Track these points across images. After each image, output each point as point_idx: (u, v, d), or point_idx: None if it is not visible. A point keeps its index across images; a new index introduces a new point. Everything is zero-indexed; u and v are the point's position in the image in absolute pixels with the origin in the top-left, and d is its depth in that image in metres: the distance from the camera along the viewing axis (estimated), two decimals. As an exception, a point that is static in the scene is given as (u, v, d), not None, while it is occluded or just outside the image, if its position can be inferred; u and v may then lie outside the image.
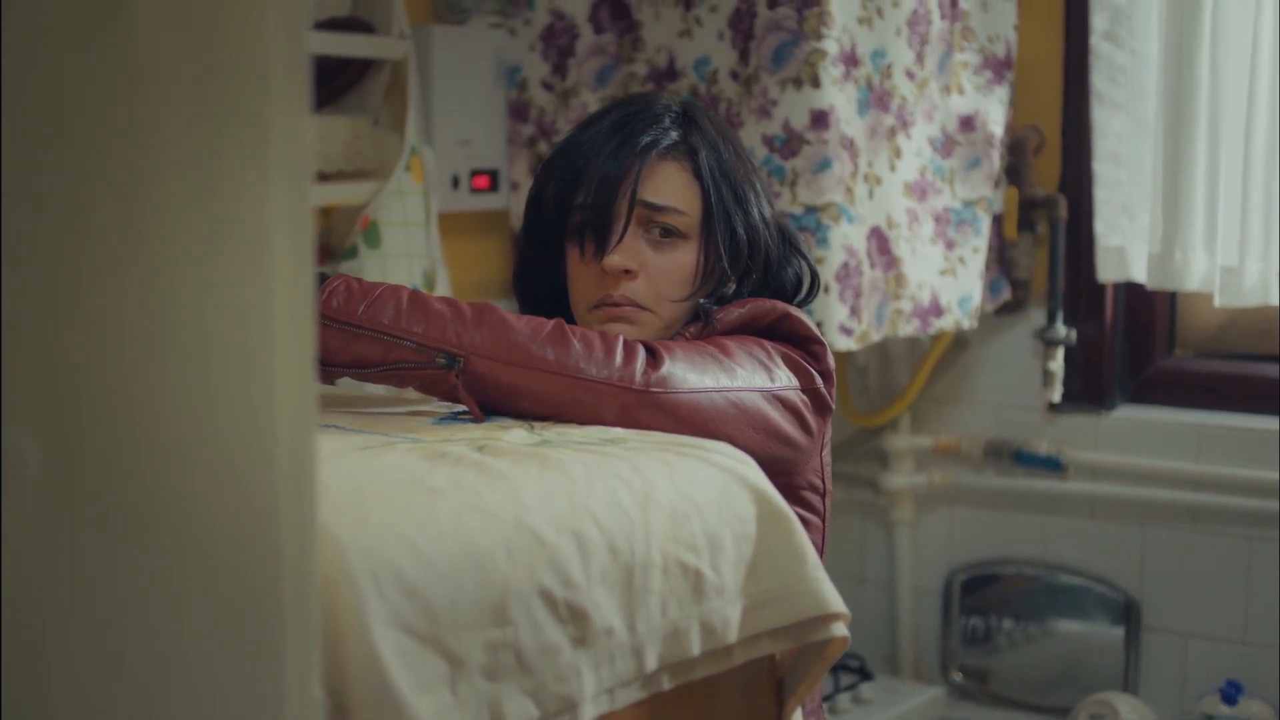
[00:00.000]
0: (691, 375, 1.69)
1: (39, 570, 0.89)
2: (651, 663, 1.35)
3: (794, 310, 1.89)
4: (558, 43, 3.25)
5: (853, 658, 3.58)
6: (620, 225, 1.88)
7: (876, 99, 3.04)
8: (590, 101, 3.23)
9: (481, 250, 3.35)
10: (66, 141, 0.93)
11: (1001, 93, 3.34)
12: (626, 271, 1.88)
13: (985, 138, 3.30)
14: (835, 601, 1.45)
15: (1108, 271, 3.40)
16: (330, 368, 1.68)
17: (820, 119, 2.89)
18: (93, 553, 0.91)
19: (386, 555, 1.14)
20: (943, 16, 3.19)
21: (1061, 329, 3.50)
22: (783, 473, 1.82)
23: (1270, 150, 3.16)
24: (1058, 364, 3.51)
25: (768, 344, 1.84)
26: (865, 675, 3.56)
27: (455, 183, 3.22)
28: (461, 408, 1.69)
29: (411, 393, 1.72)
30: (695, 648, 1.38)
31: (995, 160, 3.32)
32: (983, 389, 3.67)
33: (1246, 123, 3.17)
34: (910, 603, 3.77)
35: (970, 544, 3.70)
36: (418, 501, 1.24)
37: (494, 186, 3.31)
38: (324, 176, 2.86)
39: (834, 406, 1.89)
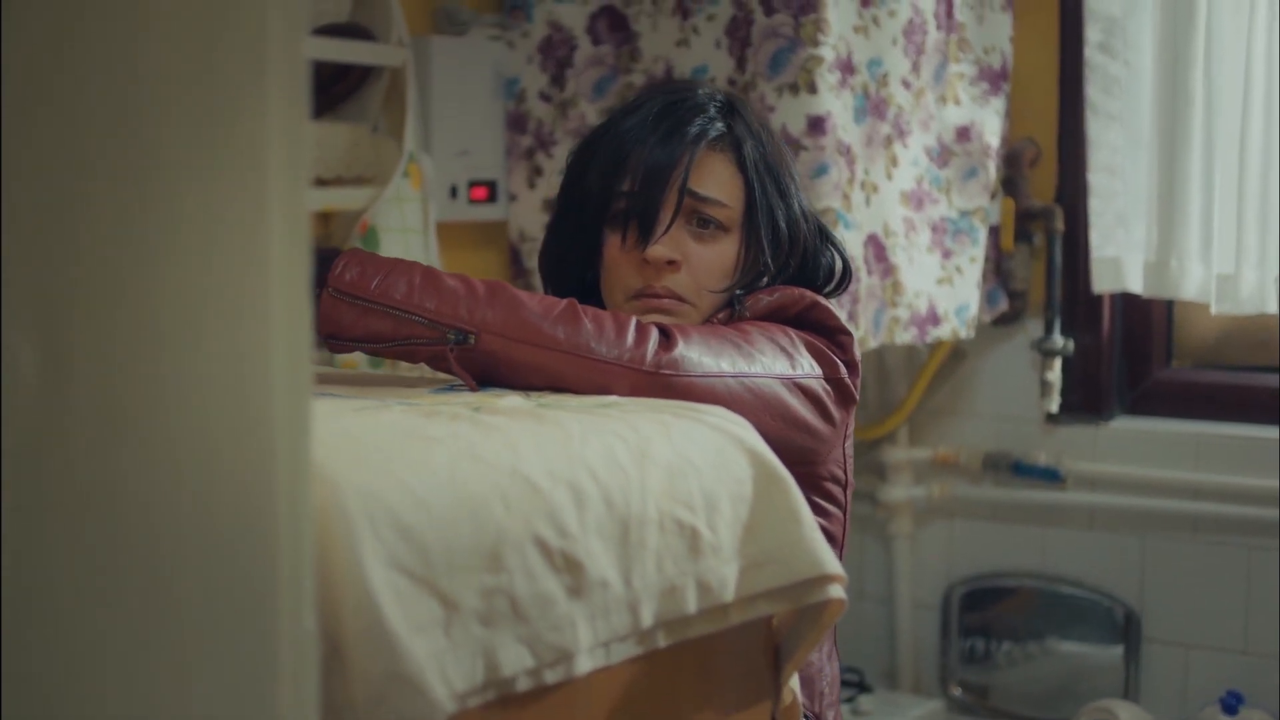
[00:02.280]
0: (706, 359, 1.68)
1: (34, 474, 0.89)
2: (647, 619, 1.35)
3: (822, 300, 1.89)
4: (556, 54, 3.27)
5: (851, 671, 3.57)
6: (667, 215, 1.87)
7: (873, 107, 3.05)
8: (589, 113, 3.24)
9: (480, 261, 3.36)
10: (66, 145, 0.94)
11: (997, 104, 3.36)
12: (670, 262, 1.86)
13: (981, 148, 3.32)
14: (832, 563, 1.45)
15: (1104, 282, 3.40)
16: (343, 341, 1.68)
17: (817, 125, 2.90)
18: (86, 461, 0.91)
19: (382, 495, 1.15)
20: (939, 27, 3.21)
21: (1059, 340, 3.50)
22: (804, 462, 1.82)
23: (1266, 158, 3.17)
24: (1055, 375, 3.51)
25: (792, 331, 1.83)
26: (864, 688, 3.55)
27: (453, 193, 3.23)
28: (458, 382, 1.69)
29: (408, 367, 1.73)
30: (691, 605, 1.38)
31: (991, 171, 3.33)
32: (980, 400, 3.67)
33: (1241, 131, 3.18)
34: (909, 616, 3.76)
35: (969, 556, 3.69)
36: (414, 448, 1.24)
37: (492, 197, 3.32)
38: (323, 182, 2.87)
39: (858, 397, 1.89)
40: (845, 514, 1.93)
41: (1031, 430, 3.60)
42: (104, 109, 0.95)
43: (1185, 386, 3.54)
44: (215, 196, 0.98)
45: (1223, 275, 3.24)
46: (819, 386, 1.81)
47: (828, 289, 2.00)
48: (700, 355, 1.68)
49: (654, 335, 1.67)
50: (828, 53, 2.91)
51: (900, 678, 3.76)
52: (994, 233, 3.46)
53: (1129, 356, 3.59)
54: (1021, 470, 3.58)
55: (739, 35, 3.01)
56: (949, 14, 3.24)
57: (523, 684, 1.25)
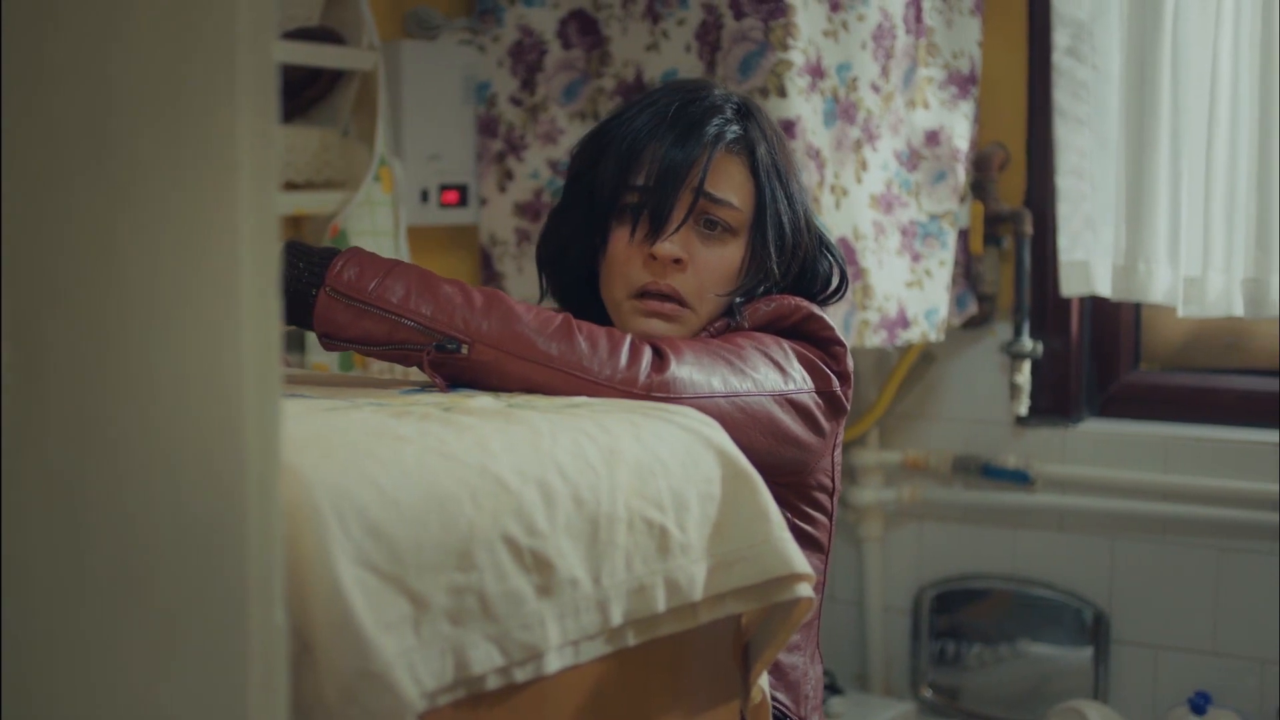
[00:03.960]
0: (698, 377, 1.68)
1: (7, 472, 0.89)
2: (616, 617, 1.35)
3: (818, 310, 1.89)
4: (526, 58, 3.28)
5: (823, 673, 3.58)
6: (680, 214, 1.86)
7: (842, 111, 3.06)
8: (559, 116, 3.25)
9: (450, 265, 3.37)
10: (38, 149, 0.95)
11: (966, 108, 3.38)
12: (676, 261, 1.86)
13: (950, 152, 3.33)
14: (800, 562, 1.46)
15: (1072, 285, 3.42)
16: (337, 341, 1.67)
17: (787, 128, 2.91)
18: (59, 459, 0.91)
19: (351, 493, 1.15)
20: (908, 32, 3.22)
21: (1028, 343, 3.52)
22: (793, 472, 1.83)
23: (1232, 162, 3.19)
24: (1024, 378, 3.53)
25: (786, 343, 1.83)
26: (835, 690, 3.56)
27: (424, 197, 3.23)
28: (428, 384, 1.69)
29: (382, 368, 1.73)
30: (661, 604, 1.39)
31: (960, 175, 3.35)
32: (950, 403, 3.68)
33: (1208, 135, 3.20)
34: (880, 619, 3.77)
35: (939, 559, 3.70)
36: (383, 446, 1.24)
37: (463, 201, 3.32)
38: (293, 186, 2.87)
39: (849, 407, 1.89)
40: (831, 521, 1.94)
41: (1001, 433, 3.61)
42: (76, 114, 0.96)
43: (1153, 389, 3.56)
44: (186, 199, 0.98)
45: (1190, 278, 3.27)
46: (810, 400, 1.81)
47: (823, 297, 1.99)
48: (693, 375, 1.67)
49: (647, 355, 1.66)
50: (797, 57, 2.93)
51: (871, 680, 3.78)
52: (963, 236, 3.48)
53: (1097, 359, 3.61)
54: (991, 473, 3.59)
55: (709, 39, 3.02)
56: (918, 19, 3.26)
57: (492, 682, 1.25)
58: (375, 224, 2.94)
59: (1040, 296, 3.56)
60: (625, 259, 1.88)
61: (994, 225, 3.53)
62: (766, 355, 1.79)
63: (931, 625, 3.71)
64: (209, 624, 1.00)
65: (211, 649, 0.99)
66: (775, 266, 1.91)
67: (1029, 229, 3.52)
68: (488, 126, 3.32)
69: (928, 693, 3.72)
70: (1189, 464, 3.42)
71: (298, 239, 1.76)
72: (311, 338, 2.09)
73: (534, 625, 1.28)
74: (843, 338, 1.89)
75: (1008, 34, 3.53)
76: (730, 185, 1.88)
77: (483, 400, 1.54)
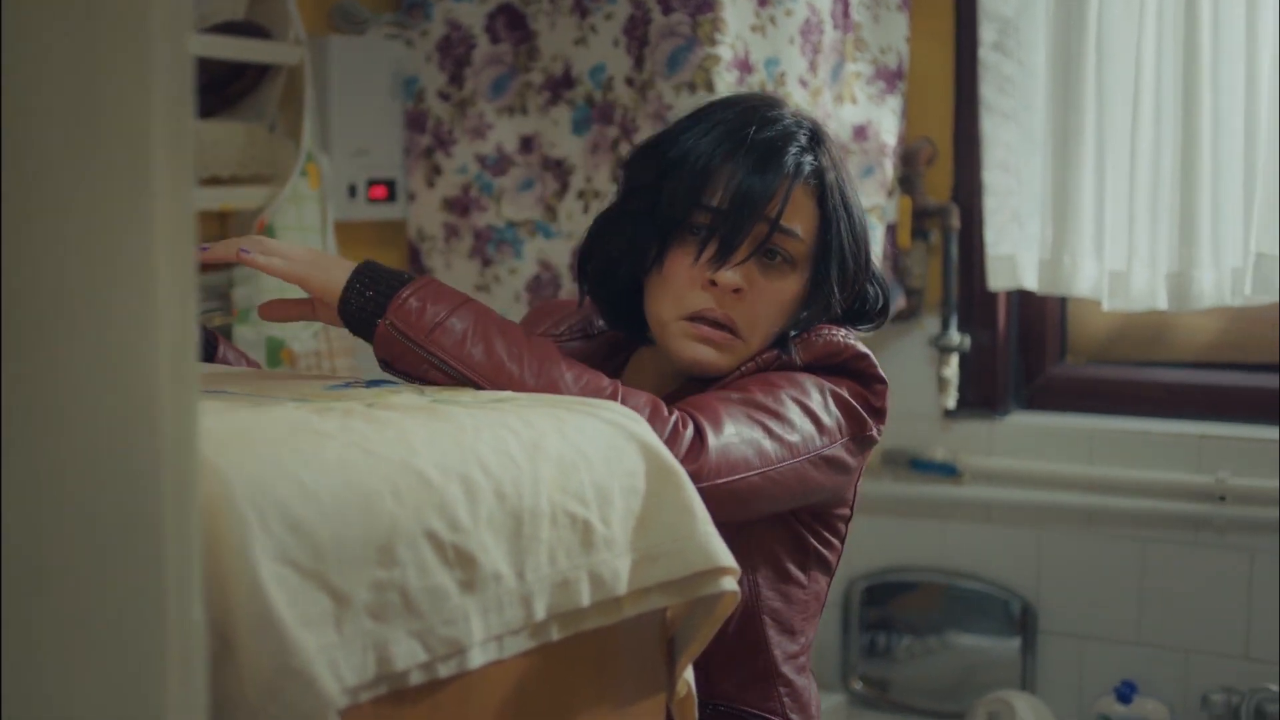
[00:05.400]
0: (734, 454, 1.66)
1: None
2: (540, 612, 1.35)
3: (865, 349, 1.85)
4: (454, 53, 3.27)
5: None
6: (751, 245, 1.79)
7: (770, 106, 3.07)
8: (487, 111, 3.24)
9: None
10: None
11: (894, 103, 3.40)
12: (736, 290, 1.80)
13: (878, 147, 3.35)
14: (725, 556, 1.46)
15: (999, 279, 3.45)
16: (395, 370, 1.67)
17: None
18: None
19: (271, 489, 1.14)
20: (835, 27, 3.24)
21: (955, 336, 3.55)
22: (814, 509, 1.85)
23: (1156, 156, 3.23)
24: (952, 371, 3.55)
25: (828, 387, 1.80)
26: (766, 683, 3.57)
27: (352, 192, 3.22)
28: (354, 378, 1.69)
29: (305, 366, 1.72)
30: (585, 598, 1.39)
31: (888, 169, 3.37)
32: (879, 397, 3.69)
33: (1132, 130, 3.24)
34: (810, 612, 3.78)
35: (869, 552, 3.72)
36: (304, 442, 1.24)
37: (391, 196, 3.31)
38: (219, 181, 2.86)
39: (879, 439, 1.87)
40: (844, 543, 1.94)
41: (929, 426, 3.64)
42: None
43: (1079, 382, 3.60)
44: (99, 195, 0.97)
45: (1114, 272, 3.30)
46: (842, 449, 1.79)
47: (866, 326, 1.95)
48: (727, 450, 1.65)
49: (687, 438, 1.63)
50: (725, 52, 2.93)
51: (802, 673, 3.79)
52: (891, 231, 3.50)
53: (1024, 352, 3.64)
54: (919, 466, 3.62)
55: (637, 34, 3.03)
56: (845, 14, 3.27)
57: (415, 678, 1.25)
58: (302, 219, 2.92)
59: (967, 290, 3.59)
60: (682, 280, 1.82)
61: (921, 220, 3.56)
62: (805, 407, 1.76)
63: (861, 618, 3.73)
64: (125, 622, 0.99)
65: (127, 647, 0.98)
66: (838, 302, 1.86)
67: (956, 223, 3.54)
68: (416, 121, 3.31)
69: (858, 685, 3.74)
70: (1114, 456, 3.45)
71: (373, 261, 1.75)
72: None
73: (457, 620, 1.27)
74: (884, 375, 1.86)
75: (935, 29, 3.55)
76: (799, 217, 1.82)
77: (406, 396, 1.53)
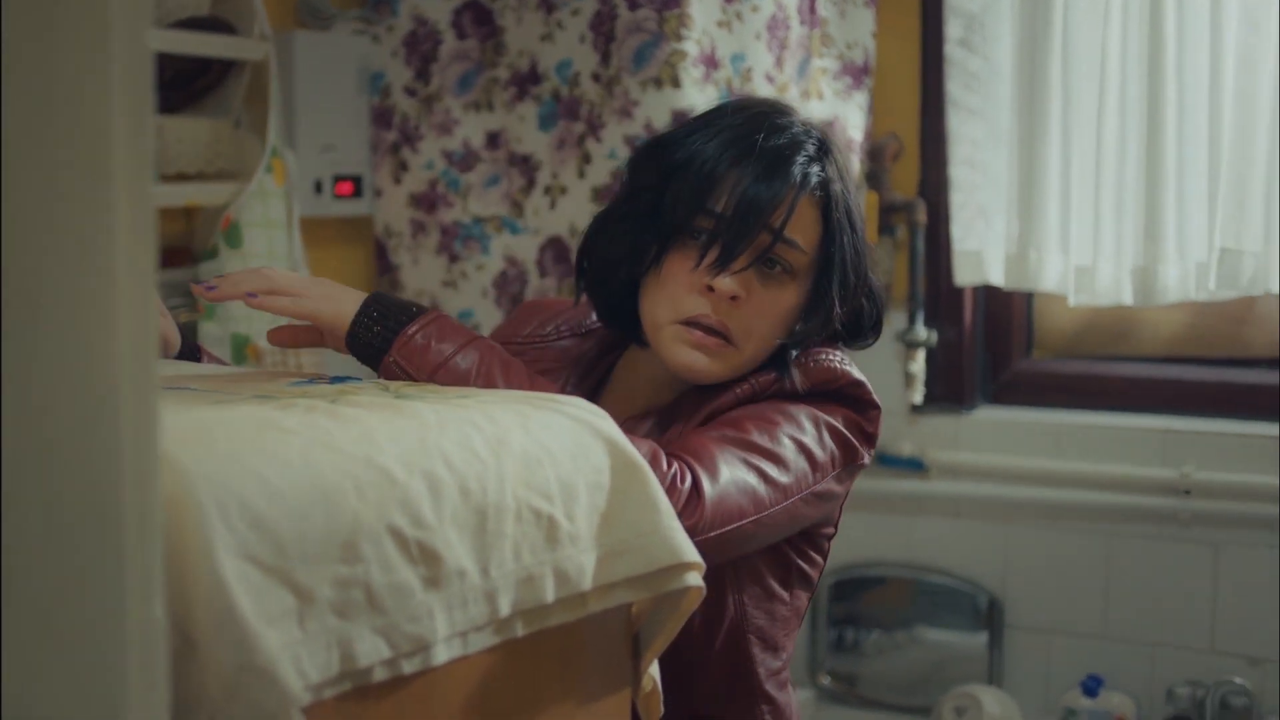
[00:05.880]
0: (729, 503, 1.66)
1: None
2: (505, 608, 1.35)
3: (861, 376, 1.84)
4: (420, 48, 3.26)
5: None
6: (753, 253, 1.77)
7: (737, 101, 3.07)
8: (453, 107, 3.24)
9: (345, 256, 3.35)
10: None
11: (860, 99, 3.40)
12: (733, 298, 1.78)
13: (844, 143, 3.36)
14: (690, 551, 1.46)
15: (965, 275, 3.46)
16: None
17: (681, 119, 2.92)
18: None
19: (233, 485, 1.14)
20: (802, 22, 3.24)
21: (922, 331, 3.56)
22: (801, 532, 1.86)
23: (1121, 152, 3.24)
24: (919, 366, 3.56)
25: (824, 419, 1.80)
26: (734, 679, 3.57)
27: (318, 188, 3.21)
28: (318, 375, 1.68)
29: (272, 362, 1.71)
30: (549, 594, 1.39)
31: (855, 165, 3.37)
32: (846, 393, 3.70)
33: (1097, 125, 3.25)
34: (778, 607, 3.79)
35: (836, 547, 3.69)
36: (267, 438, 1.23)
37: (358, 193, 3.30)
38: (184, 177, 2.85)
39: (868, 464, 1.87)
40: (826, 558, 1.94)
41: (896, 421, 3.64)
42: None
43: (1045, 376, 3.61)
44: (59, 190, 0.97)
45: (1080, 267, 3.31)
46: (833, 481, 1.80)
47: (859, 344, 1.93)
48: (723, 500, 1.65)
49: (685, 491, 1.63)
50: (691, 47, 2.93)
51: (770, 668, 3.79)
52: (858, 226, 3.50)
53: (990, 347, 3.65)
54: (886, 461, 3.62)
55: (603, 30, 3.03)
56: (812, 9, 3.28)
57: (379, 675, 1.25)
58: (268, 215, 2.91)
59: (934, 286, 3.60)
60: (679, 283, 1.80)
61: (888, 215, 3.57)
62: (800, 445, 1.76)
63: (829, 613, 3.74)
64: (85, 620, 0.98)
65: (88, 645, 0.98)
66: (838, 317, 1.83)
67: (923, 219, 3.55)
68: (382, 117, 3.31)
69: (826, 680, 3.74)
70: (1080, 450, 3.47)
71: (382, 292, 1.74)
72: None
73: (421, 617, 1.27)
74: (879, 401, 1.86)
75: (901, 25, 3.56)
76: (802, 228, 1.79)
77: (370, 392, 1.53)
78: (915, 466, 3.59)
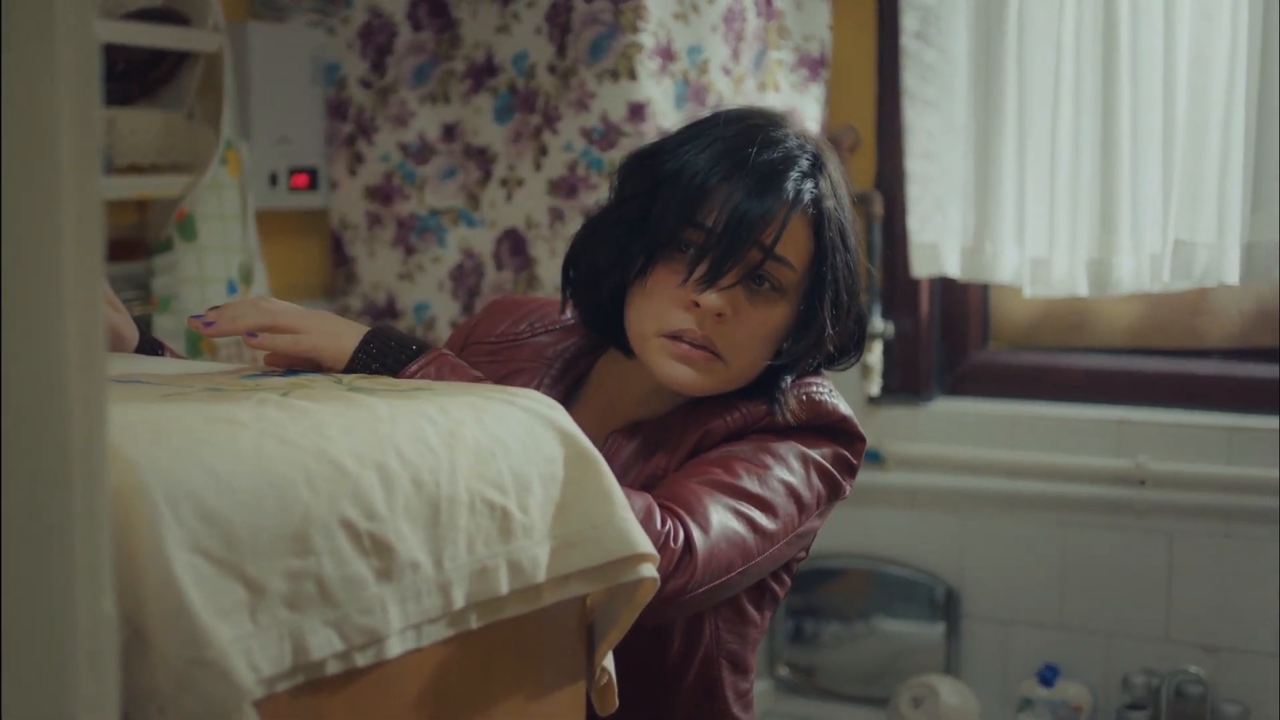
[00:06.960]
0: (719, 558, 1.66)
1: None
2: (459, 600, 1.35)
3: (849, 413, 1.83)
4: (376, 40, 3.25)
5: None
6: (741, 270, 1.73)
7: (693, 94, 3.08)
8: (409, 99, 3.23)
9: (300, 249, 3.33)
10: None
11: (817, 91, 3.41)
12: (719, 314, 1.74)
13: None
14: (644, 543, 1.46)
15: (922, 267, 3.47)
16: None
17: (638, 111, 2.92)
18: None
19: (184, 479, 1.13)
20: (758, 14, 3.24)
21: (879, 323, 3.56)
22: None
23: (1076, 144, 3.26)
24: (876, 358, 3.57)
25: (812, 457, 1.79)
26: (693, 670, 3.58)
27: (273, 181, 3.19)
28: (271, 370, 1.68)
29: (226, 355, 1.70)
30: (503, 586, 1.38)
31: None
32: (804, 385, 3.71)
33: (1052, 117, 3.26)
34: (736, 599, 3.79)
35: (794, 539, 3.73)
36: (218, 431, 1.23)
37: (313, 185, 3.29)
38: (138, 169, 2.83)
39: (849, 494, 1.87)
40: (792, 576, 1.93)
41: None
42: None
43: (1001, 368, 3.63)
44: (3, 184, 0.96)
45: (1036, 259, 3.33)
46: (816, 518, 1.80)
47: (839, 363, 1.90)
48: (713, 557, 1.66)
49: (677, 552, 1.62)
50: (647, 39, 2.93)
51: (728, 660, 3.80)
52: (815, 218, 3.50)
53: (947, 339, 3.66)
54: (844, 452, 3.62)
55: (559, 21, 3.02)
56: (768, 2, 3.28)
57: (332, 667, 1.24)
58: (222, 208, 2.90)
59: (891, 277, 3.61)
60: (665, 296, 1.76)
61: (845, 207, 3.57)
62: (789, 488, 1.75)
63: (787, 604, 3.74)
64: (35, 614, 0.98)
65: (36, 640, 0.97)
66: (830, 338, 1.80)
67: (879, 210, 3.56)
68: (337, 109, 3.29)
69: (784, 671, 3.75)
70: (1036, 441, 3.48)
71: (384, 327, 1.72)
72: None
73: (374, 609, 1.27)
74: (863, 433, 1.86)
75: (857, 17, 3.56)
76: (794, 245, 1.74)
77: (322, 385, 1.52)
78: (872, 458, 3.59)
